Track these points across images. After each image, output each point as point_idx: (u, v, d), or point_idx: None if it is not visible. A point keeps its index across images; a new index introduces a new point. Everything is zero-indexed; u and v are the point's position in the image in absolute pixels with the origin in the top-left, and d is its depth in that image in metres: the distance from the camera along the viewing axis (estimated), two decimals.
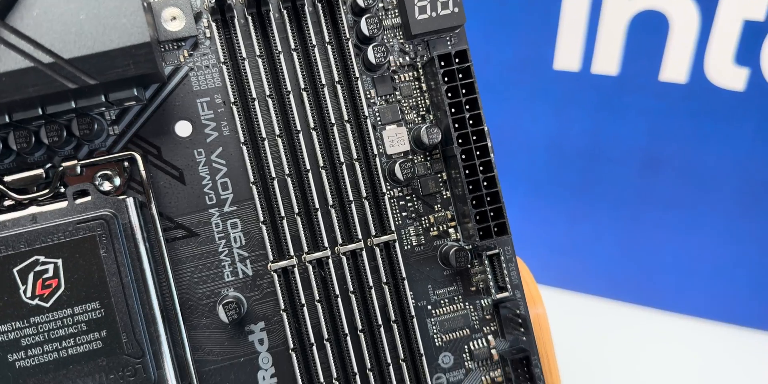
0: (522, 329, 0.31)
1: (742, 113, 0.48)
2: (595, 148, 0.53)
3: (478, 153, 0.30)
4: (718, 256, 0.54)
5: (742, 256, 0.54)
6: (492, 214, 0.30)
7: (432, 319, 0.31)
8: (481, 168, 0.30)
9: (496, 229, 0.30)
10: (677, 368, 0.55)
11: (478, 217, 0.30)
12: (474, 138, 0.30)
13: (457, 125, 0.30)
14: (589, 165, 0.54)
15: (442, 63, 0.29)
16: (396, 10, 0.30)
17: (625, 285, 0.58)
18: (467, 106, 0.30)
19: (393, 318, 0.30)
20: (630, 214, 0.55)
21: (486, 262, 0.31)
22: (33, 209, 0.28)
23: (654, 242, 0.55)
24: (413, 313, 0.30)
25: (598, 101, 0.51)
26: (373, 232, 0.30)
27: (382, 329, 0.30)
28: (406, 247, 0.31)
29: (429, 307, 0.31)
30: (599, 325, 0.58)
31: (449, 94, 0.29)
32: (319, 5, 0.29)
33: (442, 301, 0.31)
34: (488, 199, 0.30)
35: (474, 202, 0.30)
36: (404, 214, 0.31)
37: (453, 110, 0.29)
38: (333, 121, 0.30)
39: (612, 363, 0.55)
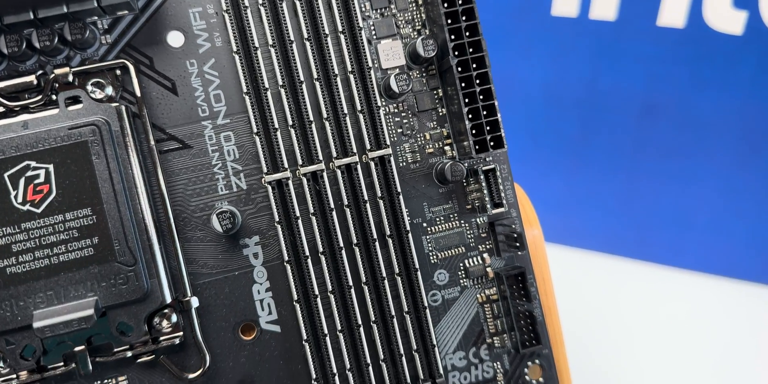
0: (517, 244, 0.30)
1: (741, 58, 0.48)
2: (593, 96, 0.52)
3: (474, 65, 0.29)
4: (716, 208, 0.54)
5: (740, 208, 0.53)
6: (488, 128, 0.30)
7: (427, 237, 0.31)
8: (478, 81, 0.30)
9: (492, 143, 0.30)
10: (674, 322, 0.55)
11: (474, 131, 0.30)
12: (470, 50, 0.29)
13: (453, 37, 0.29)
14: (586, 114, 0.53)
15: None
16: None
17: (622, 239, 0.58)
18: (464, 17, 0.29)
19: (388, 232, 0.30)
20: (627, 164, 0.54)
21: (482, 178, 0.30)
22: (24, 116, 0.27)
23: (651, 194, 0.55)
24: (408, 228, 0.30)
25: (595, 48, 0.51)
26: (368, 147, 0.30)
27: (377, 243, 0.30)
28: (401, 164, 0.31)
29: (424, 224, 0.31)
30: (595, 280, 0.57)
31: (445, 5, 0.29)
32: None
33: (437, 219, 0.31)
34: (484, 112, 0.30)
35: (470, 116, 0.29)
36: (399, 130, 0.31)
37: (449, 21, 0.29)
38: (327, 31, 0.29)
39: (609, 318, 0.55)
